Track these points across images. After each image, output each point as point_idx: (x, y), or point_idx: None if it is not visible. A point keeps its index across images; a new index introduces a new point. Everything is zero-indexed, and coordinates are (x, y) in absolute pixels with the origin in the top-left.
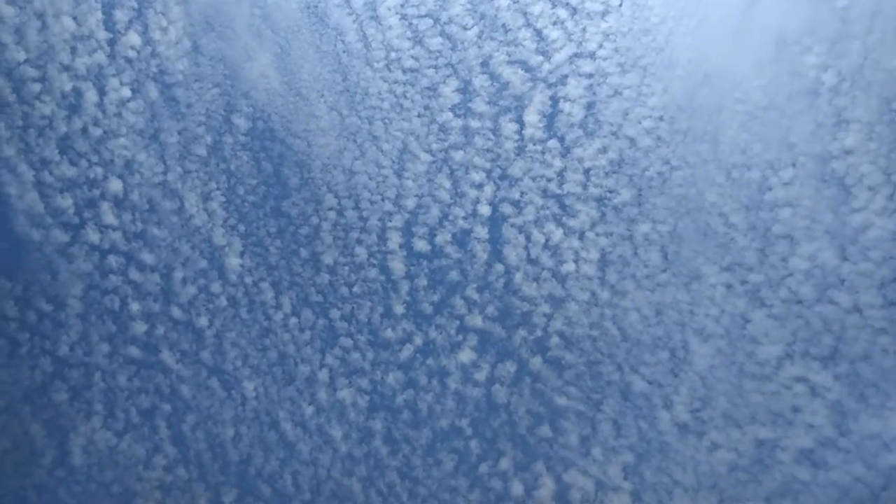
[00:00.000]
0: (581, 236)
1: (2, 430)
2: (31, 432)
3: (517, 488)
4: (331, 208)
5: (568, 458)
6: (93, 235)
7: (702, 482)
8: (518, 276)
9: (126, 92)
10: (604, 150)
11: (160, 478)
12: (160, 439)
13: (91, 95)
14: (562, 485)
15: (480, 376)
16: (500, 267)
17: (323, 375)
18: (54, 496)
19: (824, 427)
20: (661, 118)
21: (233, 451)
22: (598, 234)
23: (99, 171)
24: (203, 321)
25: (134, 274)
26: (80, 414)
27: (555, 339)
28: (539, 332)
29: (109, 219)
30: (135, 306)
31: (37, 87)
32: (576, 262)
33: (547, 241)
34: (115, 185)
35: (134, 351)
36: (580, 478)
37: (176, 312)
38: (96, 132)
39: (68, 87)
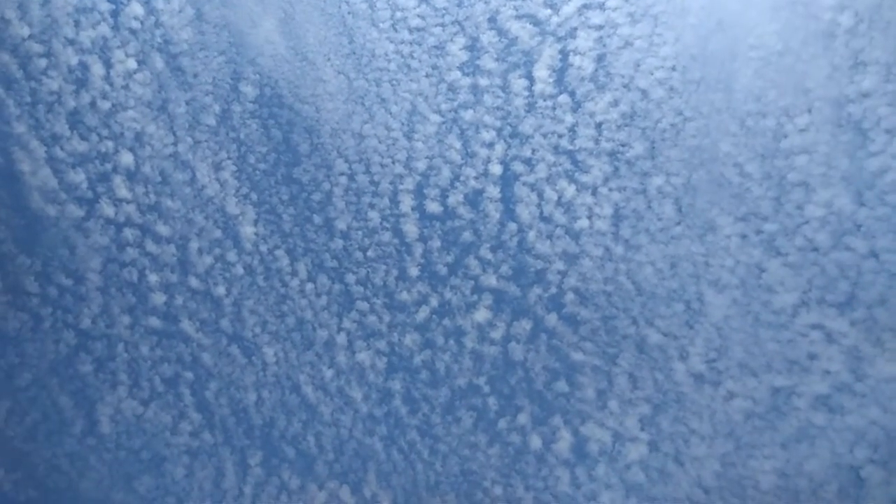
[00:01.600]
0: (594, 192)
1: (31, 402)
2: (59, 403)
3: (535, 442)
4: (342, 173)
5: (585, 412)
6: (107, 209)
7: (718, 430)
8: (531, 234)
9: (132, 64)
10: (615, 103)
11: (187, 443)
12: (185, 406)
13: (97, 69)
14: (579, 437)
15: (496, 335)
16: (513, 226)
17: (341, 339)
18: (86, 463)
19: (840, 373)
20: (673, 68)
21: (256, 415)
22: (611, 189)
23: (110, 144)
24: (221, 290)
25: (150, 246)
26: (105, 384)
27: (570, 296)
28: (554, 290)
29: (123, 192)
30: (153, 278)
31: (43, 62)
32: (589, 217)
33: (559, 197)
34: (127, 159)
35: (154, 321)
36: (597, 430)
37: (194, 282)
38: (105, 105)
39: (74, 60)
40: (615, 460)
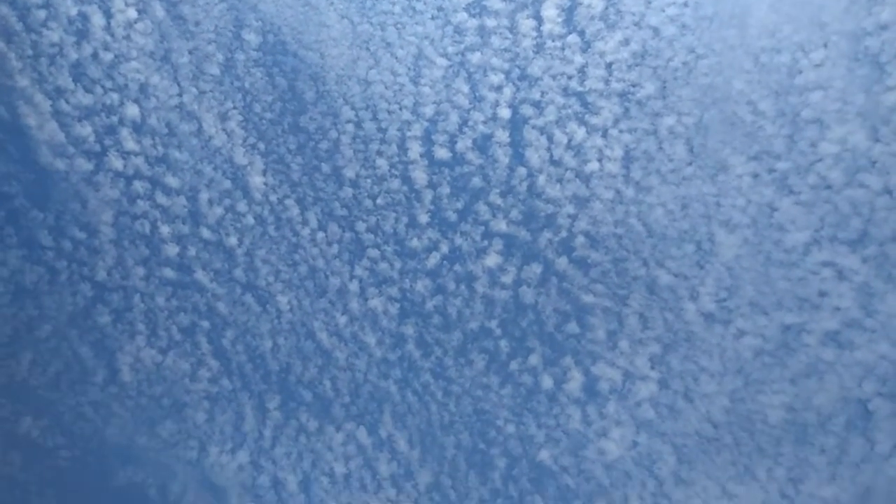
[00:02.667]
0: (604, 134)
1: (53, 353)
2: (80, 354)
3: (547, 382)
4: (349, 121)
5: (596, 352)
6: (116, 162)
7: (727, 367)
8: (541, 179)
9: (132, 13)
10: (626, 42)
11: (206, 389)
12: (202, 354)
13: (97, 19)
14: (590, 377)
15: (507, 279)
16: (522, 170)
17: (353, 286)
18: (110, 410)
19: (850, 309)
20: (685, 4)
21: (272, 361)
22: (621, 131)
23: (115, 96)
24: (233, 240)
25: (161, 198)
26: (124, 334)
27: (580, 239)
28: (564, 233)
29: (130, 145)
30: (165, 229)
31: (42, 13)
32: (599, 160)
33: (569, 140)
34: (132, 111)
35: (169, 272)
36: (608, 369)
37: (205, 233)
38: (107, 57)
39: (73, 11)
40: (625, 398)
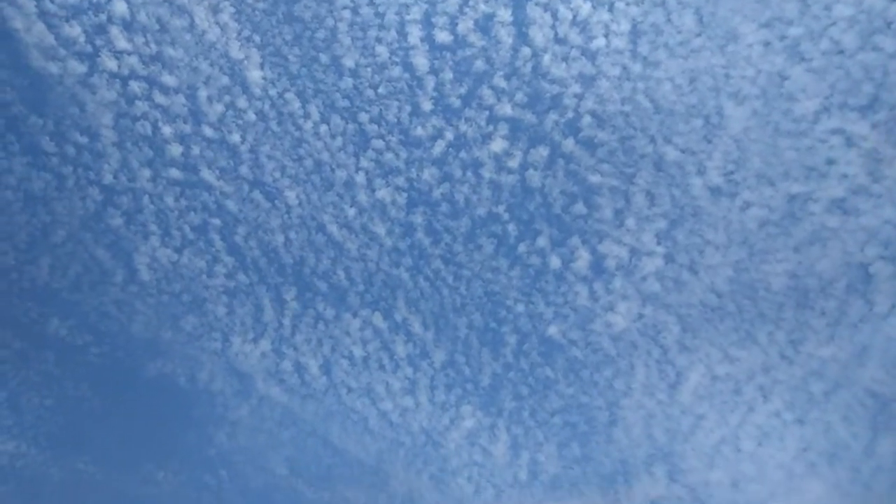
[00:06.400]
0: (610, 7)
1: (71, 257)
2: (97, 256)
3: (555, 262)
4: (344, 7)
5: (602, 231)
6: (109, 63)
7: (732, 239)
8: (546, 58)
9: None
10: None
11: (224, 284)
12: (217, 251)
13: None
14: (597, 255)
15: (513, 163)
16: (526, 50)
17: (360, 178)
18: (132, 308)
19: (858, 175)
20: None
21: (286, 255)
22: (628, 4)
23: None
24: (236, 137)
25: (159, 98)
26: (137, 235)
27: (586, 119)
28: (570, 114)
29: (122, 44)
30: (167, 129)
31: None
32: (606, 36)
33: (574, 16)
34: (120, 7)
35: (175, 173)
36: (615, 247)
37: (208, 131)
38: None
39: None
40: (631, 274)
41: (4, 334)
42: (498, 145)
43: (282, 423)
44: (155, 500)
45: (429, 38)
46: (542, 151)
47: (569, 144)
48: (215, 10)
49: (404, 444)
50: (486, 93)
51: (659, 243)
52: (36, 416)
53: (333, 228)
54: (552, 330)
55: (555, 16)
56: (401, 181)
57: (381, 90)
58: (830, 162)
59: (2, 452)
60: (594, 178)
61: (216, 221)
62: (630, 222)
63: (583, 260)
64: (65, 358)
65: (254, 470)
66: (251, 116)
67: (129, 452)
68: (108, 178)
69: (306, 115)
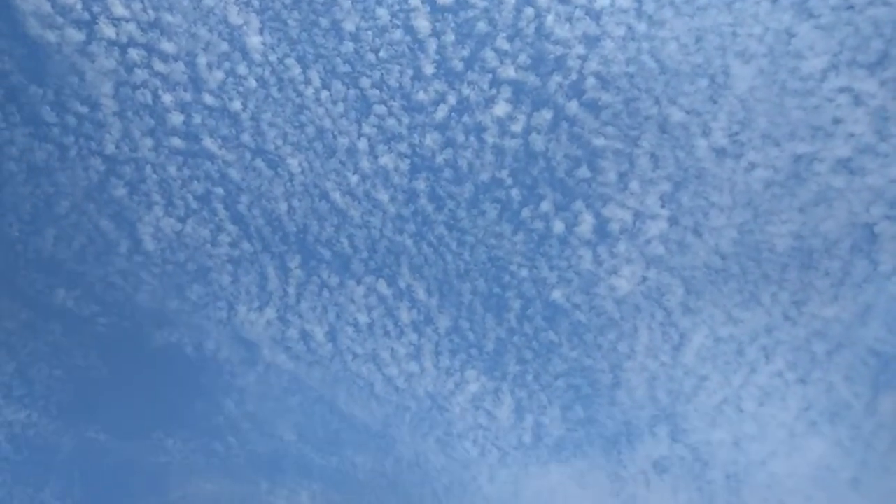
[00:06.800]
0: None
1: (75, 228)
2: (101, 226)
3: (559, 226)
4: None
5: (606, 194)
6: (107, 30)
7: (737, 201)
8: (549, 19)
9: None
10: None
11: (228, 253)
12: (220, 220)
13: None
14: (601, 219)
15: (517, 127)
16: (529, 11)
17: (362, 144)
18: (138, 278)
19: (864, 134)
20: None
21: (289, 222)
22: None
23: None
24: (237, 105)
25: (158, 65)
26: (141, 205)
27: (591, 81)
28: (574, 76)
29: (119, 10)
30: (167, 98)
31: None
32: None
33: None
34: None
35: (177, 141)
36: (619, 210)
37: (208, 99)
38: None
39: None
40: (636, 237)
41: (12, 306)
42: (501, 109)
43: (288, 389)
44: (165, 467)
45: (430, 0)
46: (546, 114)
47: (573, 107)
48: None
49: (410, 408)
50: (488, 55)
51: (663, 206)
52: (46, 386)
53: (336, 196)
54: (556, 294)
55: None
56: (403, 147)
57: (382, 54)
58: (837, 121)
59: (13, 422)
60: (598, 141)
61: (219, 190)
62: (634, 185)
63: (586, 224)
64: (72, 328)
65: (262, 436)
66: (252, 83)
67: (138, 421)
68: (110, 148)
69: (307, 81)
